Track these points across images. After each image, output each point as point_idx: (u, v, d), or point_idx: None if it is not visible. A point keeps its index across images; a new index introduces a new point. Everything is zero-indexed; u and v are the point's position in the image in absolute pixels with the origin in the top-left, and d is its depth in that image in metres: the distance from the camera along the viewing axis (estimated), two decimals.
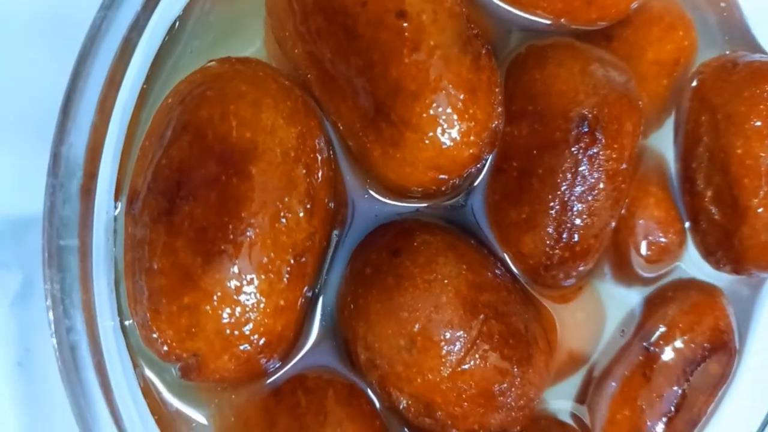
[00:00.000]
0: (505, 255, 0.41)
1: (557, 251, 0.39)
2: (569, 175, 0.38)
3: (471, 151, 0.36)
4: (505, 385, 0.37)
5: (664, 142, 0.44)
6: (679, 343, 0.42)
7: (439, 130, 0.35)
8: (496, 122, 0.37)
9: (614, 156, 0.39)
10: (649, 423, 0.41)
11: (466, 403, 0.36)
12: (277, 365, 0.38)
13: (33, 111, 0.40)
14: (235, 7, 0.40)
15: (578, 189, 0.38)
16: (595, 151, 0.38)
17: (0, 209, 0.45)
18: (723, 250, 0.43)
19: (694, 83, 0.44)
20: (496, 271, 0.39)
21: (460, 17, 0.36)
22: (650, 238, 0.43)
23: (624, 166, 0.39)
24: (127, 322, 0.37)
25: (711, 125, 0.42)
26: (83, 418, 0.34)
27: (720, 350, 0.43)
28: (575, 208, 0.38)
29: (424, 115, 0.34)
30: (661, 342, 0.42)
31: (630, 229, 0.43)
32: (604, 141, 0.38)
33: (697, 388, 0.42)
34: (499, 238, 0.41)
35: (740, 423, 0.44)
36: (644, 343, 0.42)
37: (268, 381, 0.39)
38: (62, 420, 0.40)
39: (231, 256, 0.33)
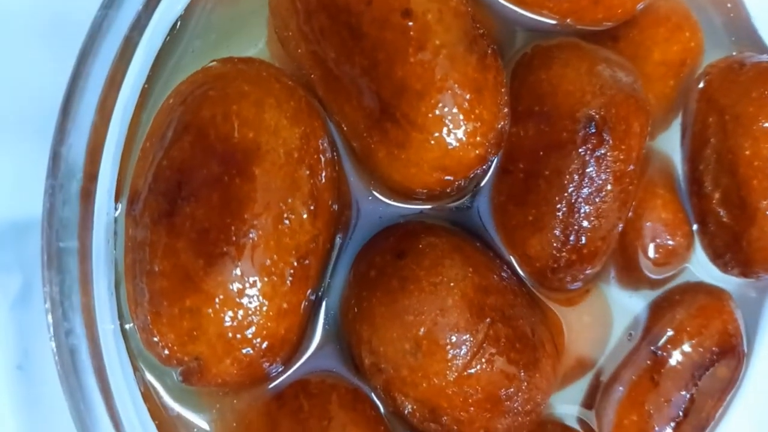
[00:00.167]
0: (512, 257, 0.40)
1: (564, 254, 0.39)
2: (576, 177, 0.38)
3: (477, 151, 0.36)
4: (512, 389, 0.37)
5: (671, 144, 0.44)
6: (687, 347, 0.42)
7: (444, 130, 0.34)
8: (502, 123, 0.37)
9: (622, 157, 0.38)
10: (657, 428, 0.41)
11: (472, 408, 0.36)
12: (280, 369, 0.38)
13: (33, 111, 0.40)
14: (238, 6, 0.40)
15: (585, 190, 0.38)
16: (602, 152, 0.38)
17: (0, 211, 0.45)
18: (731, 252, 0.42)
19: (701, 84, 0.44)
20: (503, 274, 0.39)
21: (466, 16, 0.35)
22: (658, 240, 0.43)
23: (631, 167, 0.39)
24: (127, 326, 0.37)
25: (718, 126, 0.42)
26: (83, 423, 0.34)
27: (728, 354, 0.42)
28: (582, 210, 0.38)
29: (430, 115, 0.34)
30: (668, 346, 0.42)
31: (637, 232, 0.42)
32: (611, 142, 0.38)
33: (705, 393, 0.42)
34: (505, 240, 0.40)
35: (749, 427, 0.44)
36: (652, 347, 0.42)
37: (271, 385, 0.38)
38: (61, 424, 0.40)
39: (233, 258, 0.33)
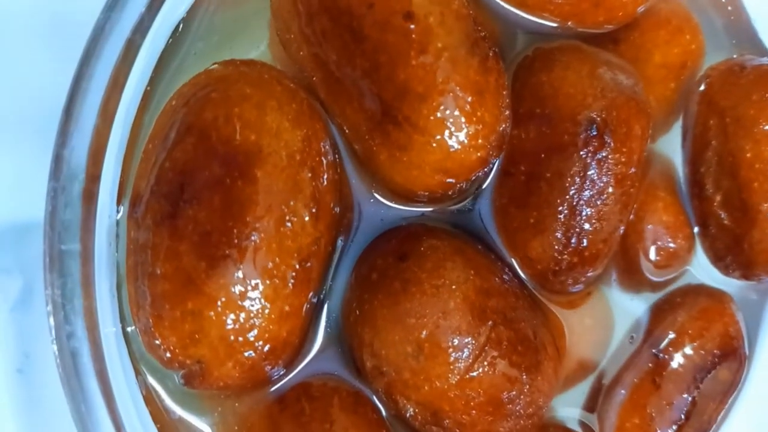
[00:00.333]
0: (513, 260, 0.40)
1: (566, 256, 0.39)
2: (578, 179, 0.38)
3: (479, 154, 0.36)
4: (514, 392, 0.37)
5: (672, 147, 0.44)
6: (688, 350, 0.42)
7: (446, 132, 0.34)
8: (503, 125, 0.37)
9: (623, 159, 0.38)
10: (658, 431, 0.41)
11: (474, 411, 0.36)
12: (282, 372, 0.38)
13: (33, 112, 0.40)
14: (240, 9, 0.40)
15: (587, 193, 0.38)
16: (603, 154, 0.38)
17: (0, 213, 0.45)
18: (732, 254, 0.42)
19: (702, 87, 0.44)
20: (504, 277, 0.39)
21: (468, 19, 0.35)
22: (659, 243, 0.43)
23: (633, 170, 0.39)
24: (129, 329, 0.37)
25: (719, 129, 0.42)
26: (84, 426, 0.34)
27: (730, 357, 0.42)
28: (584, 213, 0.38)
29: (432, 117, 0.34)
30: (670, 349, 0.42)
31: (638, 234, 0.42)
32: (612, 144, 0.38)
33: (707, 396, 0.42)
34: (507, 242, 0.40)
35: (750, 430, 0.44)
36: (653, 350, 0.42)
37: (273, 388, 0.38)
38: (62, 428, 0.40)
39: (235, 261, 0.33)
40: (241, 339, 0.34)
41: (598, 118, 0.38)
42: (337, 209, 0.38)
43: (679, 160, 0.44)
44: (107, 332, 0.35)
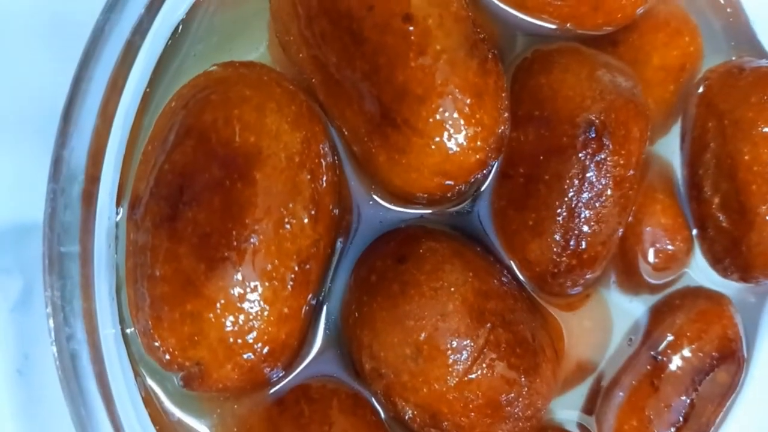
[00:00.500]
0: (512, 262, 0.40)
1: (564, 258, 0.39)
2: (576, 181, 0.38)
3: (477, 156, 0.36)
4: (513, 394, 0.37)
5: (670, 149, 0.44)
6: (687, 352, 0.42)
7: (445, 135, 0.34)
8: (502, 127, 0.37)
9: (622, 162, 0.38)
10: None
11: (472, 414, 0.36)
12: (281, 374, 0.38)
13: (33, 112, 0.40)
14: (239, 10, 0.40)
15: (585, 195, 0.38)
16: (602, 156, 0.38)
17: (0, 213, 0.45)
18: (731, 257, 0.42)
19: (701, 89, 0.44)
20: (503, 279, 0.39)
21: (467, 21, 0.35)
22: (657, 245, 0.43)
23: (631, 172, 0.39)
24: (128, 331, 0.37)
25: (718, 131, 0.42)
26: (83, 428, 0.34)
27: (728, 359, 0.42)
28: (583, 215, 0.38)
29: (431, 119, 0.34)
30: (668, 351, 0.42)
31: (637, 237, 0.42)
32: (611, 147, 0.38)
33: (705, 398, 0.42)
34: (506, 245, 0.40)
35: None
36: (652, 352, 0.42)
37: (272, 390, 0.38)
38: (62, 429, 0.40)
39: (234, 263, 0.33)
40: (240, 341, 0.34)
41: (597, 121, 0.38)
42: (336, 211, 0.38)
43: (677, 163, 0.44)
44: (106, 334, 0.35)
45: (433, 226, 0.40)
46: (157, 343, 0.34)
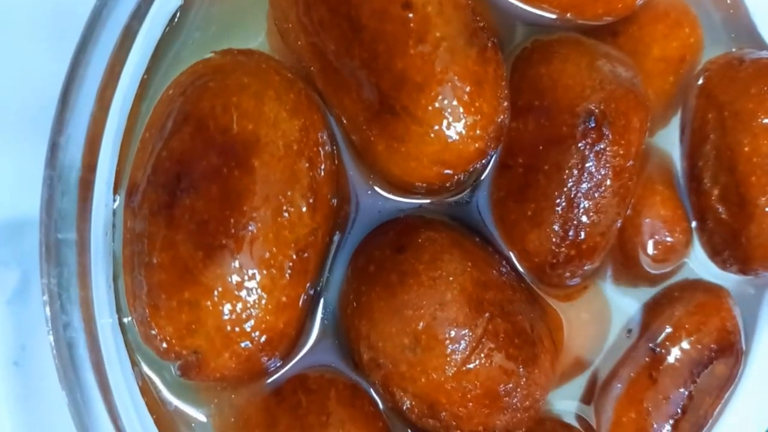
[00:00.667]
0: (510, 253, 0.40)
1: (563, 249, 0.39)
2: (576, 172, 0.38)
3: (477, 145, 0.35)
4: (511, 385, 0.36)
5: (670, 141, 0.44)
6: (685, 344, 0.41)
7: (444, 123, 0.34)
8: (502, 116, 0.36)
9: (621, 152, 0.38)
10: (655, 425, 0.41)
11: (470, 404, 0.36)
12: (278, 364, 0.38)
13: (32, 105, 0.40)
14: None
15: (585, 185, 0.38)
16: (602, 146, 0.38)
17: None
18: (730, 249, 0.42)
19: (701, 81, 0.44)
20: (502, 269, 0.39)
21: (466, 9, 0.35)
22: (656, 237, 0.43)
23: (631, 162, 0.39)
24: (125, 319, 0.37)
25: (718, 123, 0.42)
26: (80, 417, 0.34)
27: (727, 351, 0.42)
28: (582, 205, 0.38)
29: (430, 107, 0.34)
30: (667, 343, 0.42)
31: (636, 228, 0.42)
32: (611, 137, 0.38)
33: (703, 390, 0.42)
34: (504, 235, 0.40)
35: (747, 425, 0.44)
36: (650, 344, 0.42)
37: (269, 380, 0.38)
38: (59, 419, 0.40)
39: (232, 251, 0.33)
40: (237, 329, 0.34)
41: (597, 110, 0.38)
42: (335, 200, 0.38)
43: (677, 154, 0.44)
44: (103, 323, 0.35)
45: (432, 216, 0.40)
46: (154, 332, 0.34)
